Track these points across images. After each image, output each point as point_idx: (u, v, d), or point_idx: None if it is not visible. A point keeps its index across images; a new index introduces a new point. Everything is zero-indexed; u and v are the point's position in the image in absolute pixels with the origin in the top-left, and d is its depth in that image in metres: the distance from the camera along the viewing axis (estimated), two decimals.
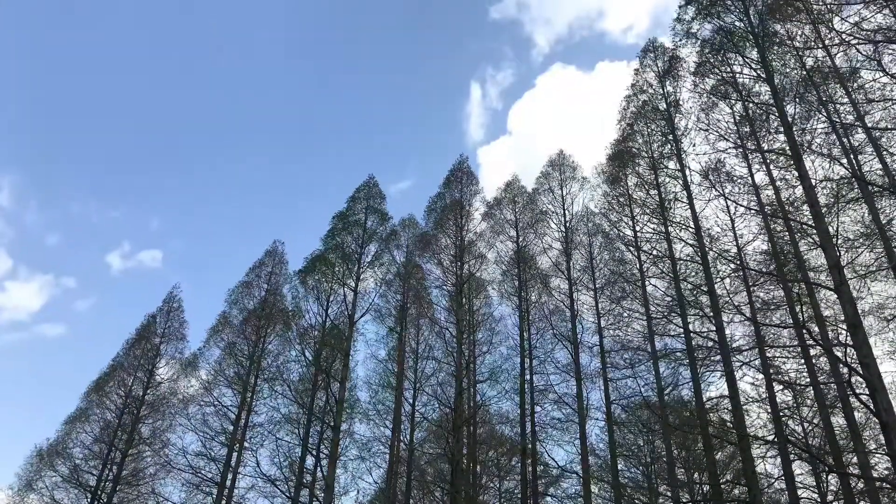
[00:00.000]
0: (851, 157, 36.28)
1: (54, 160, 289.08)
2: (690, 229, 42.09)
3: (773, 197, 38.93)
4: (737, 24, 38.59)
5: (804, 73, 35.96)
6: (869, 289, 38.05)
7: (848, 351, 29.50)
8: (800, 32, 36.30)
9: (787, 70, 36.82)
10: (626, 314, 46.79)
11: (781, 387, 38.86)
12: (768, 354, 38.79)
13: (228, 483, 52.61)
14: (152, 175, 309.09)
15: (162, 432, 61.28)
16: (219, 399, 56.77)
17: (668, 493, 44.37)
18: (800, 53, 36.34)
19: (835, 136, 36.45)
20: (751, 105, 37.78)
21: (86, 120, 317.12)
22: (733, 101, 39.86)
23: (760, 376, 38.88)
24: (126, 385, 63.02)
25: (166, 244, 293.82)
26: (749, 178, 40.93)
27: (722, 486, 39.12)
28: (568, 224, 55.55)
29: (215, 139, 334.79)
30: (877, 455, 35.13)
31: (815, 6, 34.56)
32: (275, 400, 54.74)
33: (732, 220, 43.07)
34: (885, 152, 35.10)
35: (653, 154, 46.76)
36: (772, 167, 38.88)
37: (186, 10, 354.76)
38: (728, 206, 43.31)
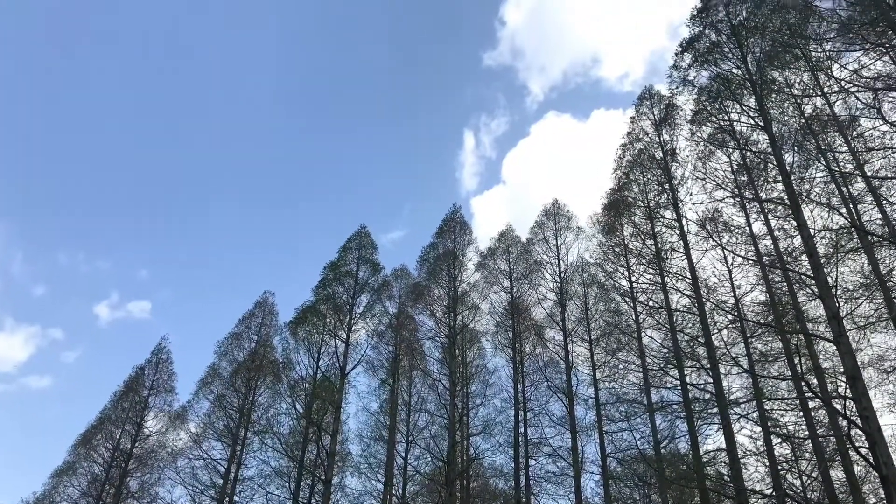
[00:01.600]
0: (851, 206, 36.01)
1: (41, 210, 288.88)
2: (687, 280, 41.67)
3: (772, 247, 38.61)
4: (734, 71, 38.31)
5: (803, 121, 35.70)
6: (869, 340, 37.65)
7: (847, 403, 29.07)
8: (798, 80, 36.13)
9: (786, 118, 36.52)
10: (621, 366, 46.29)
11: (780, 440, 38.20)
12: (766, 407, 38.22)
13: None
14: (141, 225, 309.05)
15: (150, 486, 60.45)
16: (208, 452, 56.07)
17: None
18: (798, 101, 36.13)
19: (834, 186, 36.17)
20: (748, 153, 37.46)
21: (74, 169, 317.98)
22: (731, 150, 39.61)
23: (758, 429, 38.21)
24: (114, 438, 62.24)
25: (155, 295, 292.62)
26: (747, 227, 40.70)
27: None
28: (563, 274, 55.13)
29: (205, 189, 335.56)
30: None
31: (813, 53, 34.45)
32: (265, 453, 54.03)
33: (730, 271, 42.74)
34: (884, 202, 34.83)
35: (649, 203, 46.44)
36: (770, 217, 38.69)
37: (177, 57, 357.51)
38: (725, 257, 43.03)
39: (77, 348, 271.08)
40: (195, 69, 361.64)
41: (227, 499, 53.51)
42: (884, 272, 34.46)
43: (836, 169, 35.58)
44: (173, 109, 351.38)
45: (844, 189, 36.29)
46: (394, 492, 49.69)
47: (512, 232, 61.59)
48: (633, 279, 46.92)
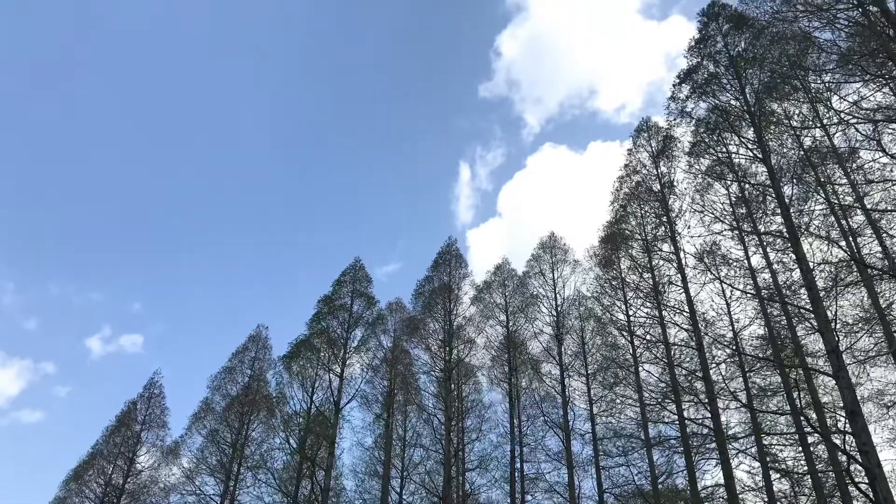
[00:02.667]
0: (850, 239, 35.72)
1: (32, 241, 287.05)
2: (685, 313, 41.35)
3: (770, 280, 38.30)
4: (732, 103, 38.13)
5: (801, 153, 35.48)
6: (868, 374, 37.25)
7: (847, 438, 28.76)
8: (797, 111, 35.96)
9: (785, 150, 36.29)
10: (619, 400, 45.83)
11: (778, 475, 37.76)
12: (765, 442, 37.82)
13: None
14: (135, 257, 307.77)
15: None
16: (201, 488, 55.52)
17: None
18: (797, 133, 35.93)
19: (833, 218, 35.90)
20: (747, 186, 37.23)
21: (66, 200, 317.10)
22: (729, 182, 39.35)
23: (757, 464, 37.79)
24: (106, 473, 61.55)
25: (147, 328, 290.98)
26: (745, 260, 40.38)
27: None
28: (559, 308, 54.70)
29: (198, 221, 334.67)
30: None
31: (813, 85, 34.30)
32: (258, 489, 53.54)
33: (728, 304, 42.43)
34: (884, 234, 34.55)
35: (646, 236, 46.20)
36: (769, 250, 38.34)
37: (170, 90, 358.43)
38: (724, 290, 42.70)
39: (69, 382, 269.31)
40: (189, 102, 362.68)
41: None
42: (884, 306, 34.13)
43: (836, 201, 35.32)
44: (168, 141, 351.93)
45: (844, 222, 36.00)
46: None
47: (508, 265, 61.40)
48: (631, 313, 46.55)
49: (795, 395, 35.63)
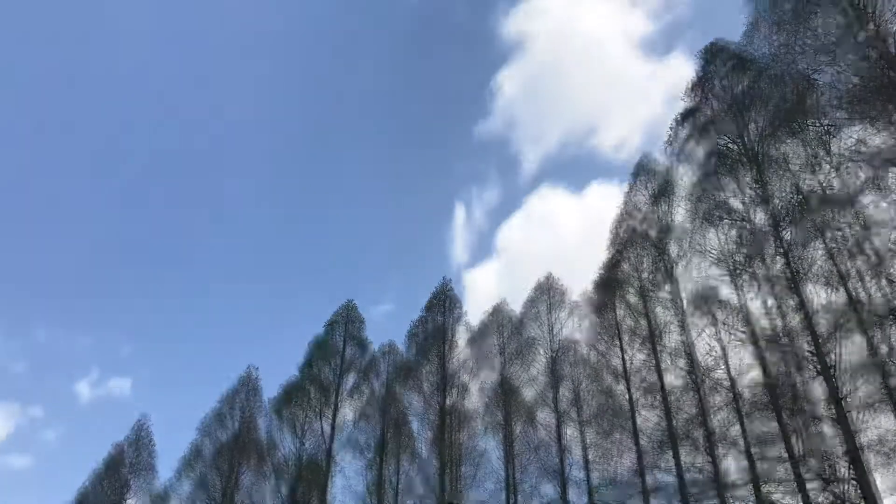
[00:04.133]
0: (847, 283, 35.24)
1: (19, 285, 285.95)
2: (685, 357, 40.73)
3: (768, 325, 37.79)
4: (731, 146, 37.92)
5: (801, 197, 35.19)
6: (870, 421, 36.54)
7: (848, 486, 28.25)
8: (797, 155, 35.72)
9: (784, 194, 36.00)
10: (615, 448, 45.01)
11: None
12: (766, 489, 37.05)
13: None
14: (123, 300, 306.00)
15: None
16: None
17: None
18: (797, 177, 35.67)
19: (834, 263, 35.44)
20: (746, 230, 36.88)
21: (52, 243, 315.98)
22: (728, 225, 38.95)
23: None
24: None
25: (136, 371, 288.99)
26: (744, 305, 39.82)
27: None
28: (556, 353, 53.97)
29: (187, 263, 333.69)
30: None
31: (812, 128, 34.09)
32: None
33: (724, 350, 41.77)
34: (885, 279, 34.07)
35: (643, 282, 45.71)
36: (769, 294, 37.85)
37: (156, 120, 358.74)
38: (722, 336, 42.09)
39: (57, 426, 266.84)
40: (178, 138, 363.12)
41: None
42: (885, 351, 33.57)
43: (836, 245, 34.87)
44: (155, 180, 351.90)
45: (845, 266, 35.52)
46: None
47: (505, 307, 60.46)
48: (627, 358, 45.95)
49: (794, 440, 34.91)
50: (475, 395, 55.77)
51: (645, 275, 46.06)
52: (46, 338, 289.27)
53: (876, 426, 36.85)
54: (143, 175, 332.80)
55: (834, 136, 31.83)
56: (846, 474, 29.17)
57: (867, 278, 35.25)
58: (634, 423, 43.89)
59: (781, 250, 33.28)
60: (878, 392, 34.97)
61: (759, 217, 36.82)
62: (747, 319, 39.36)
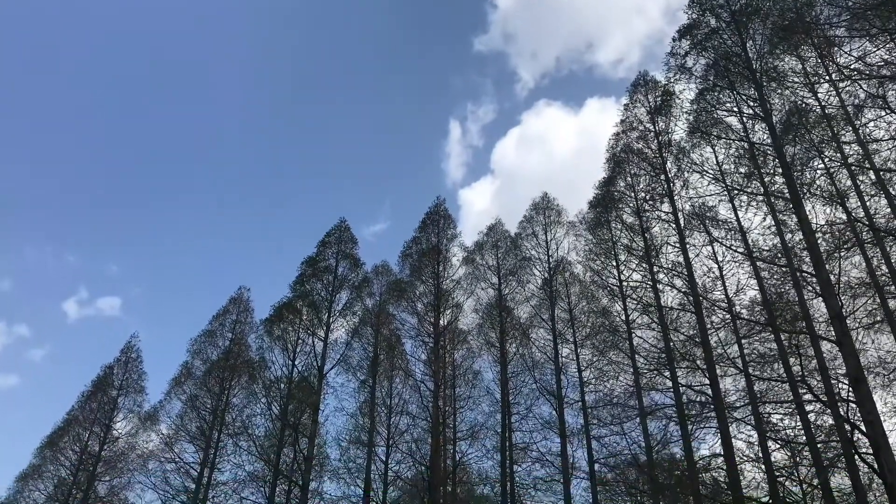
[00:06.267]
0: (857, 199, 34.58)
1: (6, 202, 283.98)
2: (683, 276, 40.17)
3: (764, 243, 37.24)
4: (730, 62, 36.96)
5: (801, 114, 34.40)
6: (873, 341, 36.20)
7: (850, 407, 27.98)
8: (800, 68, 34.86)
9: (786, 108, 35.21)
10: (611, 367, 44.77)
11: (778, 445, 36.81)
12: (767, 410, 36.80)
13: None
14: (111, 217, 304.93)
15: (119, 490, 58.99)
16: (180, 455, 54.41)
17: None
18: (800, 91, 34.81)
19: (836, 179, 34.72)
20: (747, 145, 36.15)
21: (40, 159, 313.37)
22: (729, 141, 38.14)
23: (755, 434, 36.83)
24: (81, 440, 60.62)
25: (125, 290, 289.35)
26: (744, 222, 39.17)
27: None
28: (552, 271, 53.44)
29: (178, 180, 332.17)
30: None
31: (815, 40, 33.19)
32: (239, 457, 52.38)
33: (720, 268, 41.20)
34: (892, 191, 33.35)
35: (641, 197, 45.01)
36: (767, 213, 37.14)
37: (152, 50, 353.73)
38: (718, 253, 41.52)
39: (44, 346, 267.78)
40: (172, 62, 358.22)
41: None
42: (885, 270, 33.03)
43: (840, 160, 34.12)
44: (148, 100, 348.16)
45: (849, 182, 34.82)
46: (374, 497, 47.99)
47: (501, 226, 60.21)
48: (623, 277, 45.48)
49: (793, 361, 34.60)
50: (470, 315, 55.56)
51: (642, 193, 45.36)
52: (34, 256, 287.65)
53: (876, 347, 36.61)
54: (135, 89, 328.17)
55: (839, 48, 30.93)
56: (848, 395, 28.71)
57: (867, 197, 34.63)
58: (631, 342, 43.58)
59: (780, 168, 32.55)
60: (878, 312, 34.65)
61: (759, 135, 36.10)
62: (745, 238, 38.80)
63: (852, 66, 29.97)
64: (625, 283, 45.36)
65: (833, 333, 29.09)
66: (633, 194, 45.94)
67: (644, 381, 41.99)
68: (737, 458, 35.58)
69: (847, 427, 29.02)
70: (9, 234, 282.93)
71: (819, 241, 32.59)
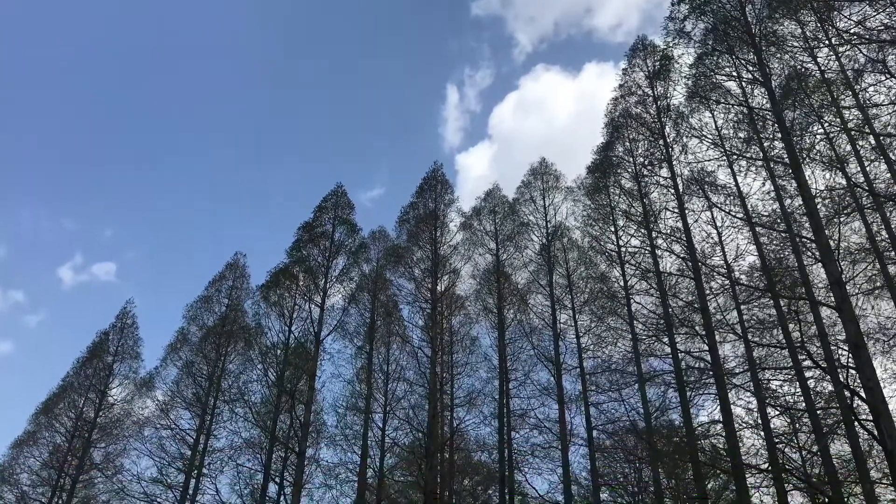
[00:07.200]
0: (854, 164, 34.29)
1: (0, 167, 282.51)
2: (682, 241, 39.88)
3: (763, 209, 36.99)
4: (733, 22, 36.53)
5: (803, 75, 34.07)
6: (873, 307, 35.99)
7: (849, 373, 27.77)
8: (799, 32, 34.49)
9: (786, 73, 34.88)
10: (609, 333, 44.57)
11: (777, 412, 36.67)
12: (766, 377, 36.63)
13: None
14: (106, 181, 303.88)
15: (115, 457, 58.92)
16: (176, 422, 54.40)
17: None
18: (796, 59, 34.48)
19: (836, 144, 34.42)
20: (746, 110, 35.83)
21: (34, 123, 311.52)
22: (728, 106, 37.81)
23: (754, 400, 36.69)
24: (77, 406, 60.51)
25: (121, 256, 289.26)
26: (743, 188, 38.93)
27: None
28: (550, 237, 53.11)
29: (175, 145, 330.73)
30: (881, 485, 33.31)
31: (815, 3, 32.79)
32: (235, 423, 52.37)
33: (719, 234, 40.93)
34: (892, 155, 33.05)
35: (639, 162, 44.68)
36: (766, 178, 36.84)
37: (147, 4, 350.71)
38: (717, 218, 41.25)
39: (39, 312, 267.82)
40: (167, 21, 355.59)
41: (196, 471, 51.92)
42: (885, 235, 32.78)
43: (840, 125, 33.79)
44: (143, 61, 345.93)
45: (848, 147, 34.53)
46: (371, 464, 47.91)
47: (499, 191, 59.85)
48: (622, 242, 45.20)
49: (793, 327, 34.35)
50: (467, 281, 55.35)
51: (640, 158, 45.02)
52: (29, 221, 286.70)
53: (876, 313, 36.43)
54: (131, 49, 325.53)
55: (839, 12, 30.54)
56: (847, 361, 28.45)
57: (866, 162, 34.35)
58: (629, 308, 43.38)
59: (780, 133, 32.25)
60: (878, 277, 34.45)
61: (758, 99, 35.80)
62: (745, 203, 38.55)
63: (852, 31, 29.74)
64: (623, 249, 45.13)
65: (833, 299, 28.92)
66: (631, 159, 45.65)
67: (643, 347, 41.85)
68: (736, 425, 35.35)
69: (847, 393, 28.87)
70: (4, 199, 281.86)
71: (819, 207, 32.36)
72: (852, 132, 33.97)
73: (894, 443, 23.23)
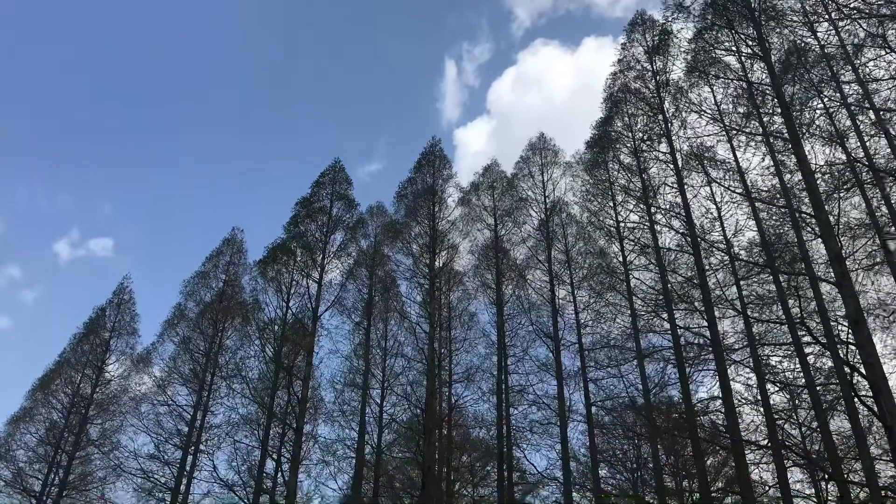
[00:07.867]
0: (854, 140, 34.06)
1: None
2: (681, 217, 39.70)
3: (762, 184, 36.81)
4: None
5: (802, 50, 33.85)
6: (873, 282, 35.82)
7: (849, 349, 27.69)
8: (799, 6, 34.26)
9: (785, 48, 34.68)
10: (608, 309, 44.45)
11: (777, 388, 36.64)
12: (765, 352, 36.54)
13: (183, 488, 50.14)
14: (104, 156, 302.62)
15: (112, 433, 58.83)
16: (173, 398, 54.33)
17: (655, 502, 41.94)
18: (795, 33, 34.30)
19: (836, 119, 34.18)
20: (745, 85, 35.65)
21: (31, 98, 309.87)
22: (727, 81, 37.65)
23: (754, 376, 36.61)
24: (73, 383, 60.46)
25: (118, 232, 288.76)
26: (742, 163, 38.73)
27: (713, 493, 37.19)
28: (549, 212, 52.87)
29: (172, 120, 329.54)
30: (881, 461, 33.28)
31: None
32: (233, 399, 52.34)
33: (719, 209, 40.74)
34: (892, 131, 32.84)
35: (638, 137, 44.46)
36: (766, 153, 36.65)
37: None
38: (716, 194, 41.08)
39: (36, 288, 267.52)
40: (165, 2, 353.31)
41: (193, 447, 51.91)
42: (885, 211, 32.58)
43: (840, 100, 33.55)
44: (142, 37, 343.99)
45: (848, 122, 34.29)
46: (369, 440, 47.87)
47: (497, 167, 59.67)
48: (621, 218, 45.00)
49: (793, 303, 34.20)
50: (466, 257, 55.19)
51: (639, 133, 44.80)
52: (25, 196, 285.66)
53: (876, 289, 36.29)
54: (128, 25, 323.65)
55: None
56: (847, 337, 28.35)
57: (866, 137, 34.12)
58: (628, 284, 43.22)
59: (779, 108, 32.07)
60: (878, 253, 34.27)
61: (757, 74, 35.59)
62: (744, 178, 38.35)
63: (852, 5, 29.71)
64: (622, 224, 44.96)
65: (832, 275, 28.78)
66: (630, 134, 45.45)
67: (641, 323, 41.72)
68: (735, 401, 35.26)
69: (846, 369, 28.77)
70: (1, 172, 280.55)
71: (818, 182, 32.18)
72: (852, 107, 33.68)
73: (894, 419, 23.28)
